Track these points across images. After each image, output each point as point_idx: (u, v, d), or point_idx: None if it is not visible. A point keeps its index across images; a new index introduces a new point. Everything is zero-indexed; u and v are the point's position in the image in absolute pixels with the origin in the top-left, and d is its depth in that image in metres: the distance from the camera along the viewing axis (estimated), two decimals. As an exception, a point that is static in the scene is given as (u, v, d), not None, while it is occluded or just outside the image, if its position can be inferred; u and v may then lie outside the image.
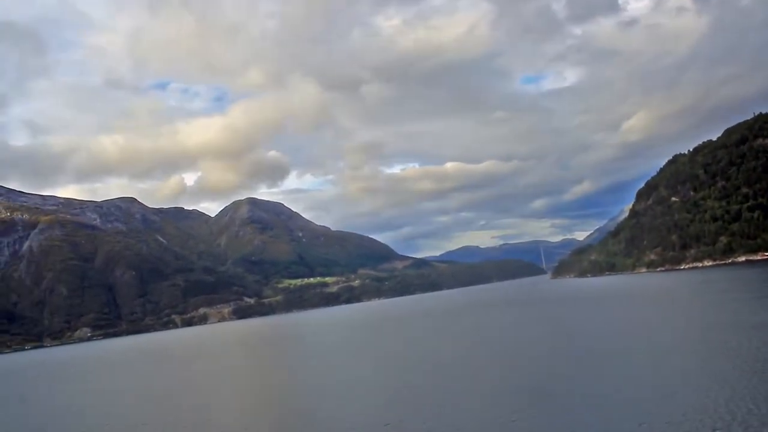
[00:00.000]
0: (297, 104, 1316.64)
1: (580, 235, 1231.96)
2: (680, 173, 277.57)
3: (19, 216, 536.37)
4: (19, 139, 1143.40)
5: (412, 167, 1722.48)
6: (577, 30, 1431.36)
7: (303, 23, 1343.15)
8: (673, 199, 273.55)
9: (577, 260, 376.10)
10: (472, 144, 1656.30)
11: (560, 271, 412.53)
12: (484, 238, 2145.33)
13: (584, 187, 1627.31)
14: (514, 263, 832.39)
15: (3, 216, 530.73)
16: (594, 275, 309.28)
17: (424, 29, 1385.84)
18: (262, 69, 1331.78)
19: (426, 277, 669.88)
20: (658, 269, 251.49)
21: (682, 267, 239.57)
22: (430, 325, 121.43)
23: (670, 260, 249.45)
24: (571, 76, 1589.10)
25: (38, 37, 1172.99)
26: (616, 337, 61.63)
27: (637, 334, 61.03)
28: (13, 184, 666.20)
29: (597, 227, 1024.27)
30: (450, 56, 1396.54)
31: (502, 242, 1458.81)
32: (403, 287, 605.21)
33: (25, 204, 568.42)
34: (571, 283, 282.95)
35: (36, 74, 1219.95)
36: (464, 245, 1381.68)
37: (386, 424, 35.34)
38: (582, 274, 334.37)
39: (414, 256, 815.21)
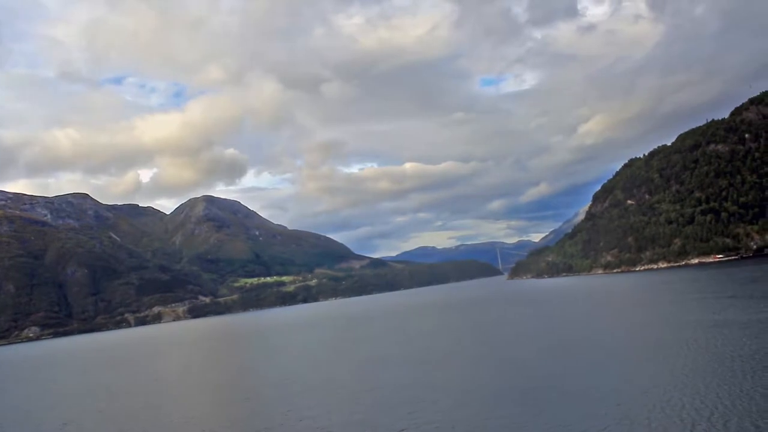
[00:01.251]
0: (256, 102, 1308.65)
1: (536, 237, 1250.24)
2: (636, 177, 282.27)
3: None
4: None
5: (371, 167, 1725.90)
6: (537, 34, 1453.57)
7: (264, 20, 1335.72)
8: (629, 202, 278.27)
9: (534, 261, 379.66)
10: (431, 145, 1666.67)
11: (517, 271, 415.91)
12: (441, 239, 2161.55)
13: (540, 189, 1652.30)
14: (470, 264, 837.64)
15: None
16: (551, 276, 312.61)
17: (386, 29, 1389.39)
18: (221, 65, 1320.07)
19: (383, 276, 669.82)
20: (615, 270, 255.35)
21: (637, 269, 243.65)
22: (394, 325, 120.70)
23: (626, 262, 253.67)
24: (530, 78, 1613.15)
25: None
26: (588, 335, 61.83)
27: (607, 333, 61.53)
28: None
29: (552, 229, 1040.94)
30: (411, 57, 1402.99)
31: (458, 243, 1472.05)
32: (360, 287, 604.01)
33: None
34: (529, 283, 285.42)
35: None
36: (421, 245, 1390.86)
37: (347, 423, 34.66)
38: (539, 275, 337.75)
39: (371, 256, 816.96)
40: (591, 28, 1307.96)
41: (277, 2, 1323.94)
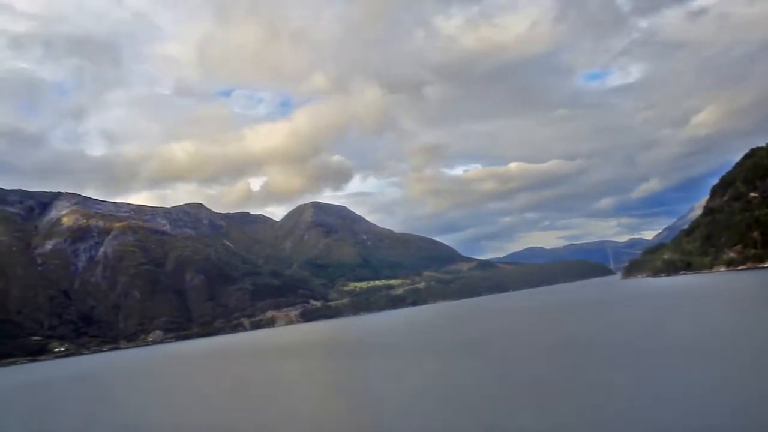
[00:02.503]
0: (360, 107, 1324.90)
1: (648, 235, 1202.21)
2: (759, 167, 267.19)
3: (95, 223, 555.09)
4: (96, 149, 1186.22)
5: (475, 168, 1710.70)
6: (643, 23, 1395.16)
7: (365, 26, 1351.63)
8: (752, 194, 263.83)
9: (649, 259, 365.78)
10: (535, 143, 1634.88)
11: (631, 270, 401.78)
12: (548, 239, 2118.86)
13: (651, 185, 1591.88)
14: (580, 264, 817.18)
15: (80, 223, 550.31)
16: (668, 275, 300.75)
17: (486, 27, 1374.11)
18: (325, 73, 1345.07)
19: (491, 278, 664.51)
20: (740, 267, 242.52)
21: (766, 265, 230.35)
22: (525, 327, 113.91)
23: (753, 258, 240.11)
24: (636, 70, 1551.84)
25: (114, 50, 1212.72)
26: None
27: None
28: (89, 192, 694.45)
29: (666, 226, 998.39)
30: (512, 54, 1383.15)
31: (567, 242, 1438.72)
32: (468, 289, 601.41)
33: (99, 211, 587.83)
34: (648, 283, 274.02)
35: (112, 85, 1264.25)
36: (529, 246, 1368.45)
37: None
38: (655, 273, 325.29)
39: (478, 257, 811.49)
40: (702, 12, 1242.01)
41: (377, 8, 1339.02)
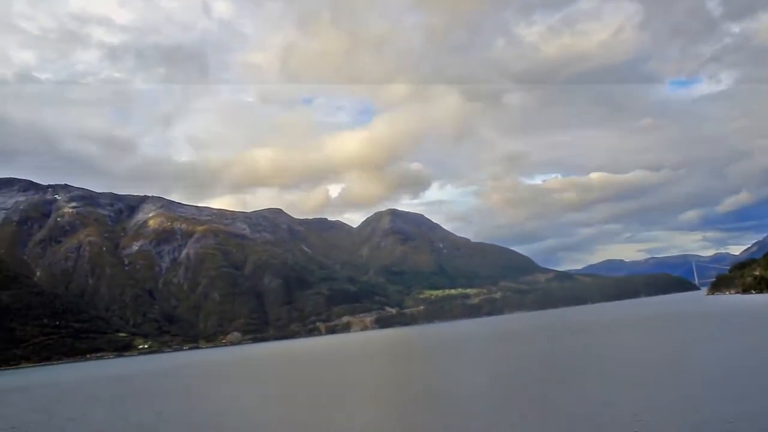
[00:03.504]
0: (439, 115, 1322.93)
1: (736, 249, 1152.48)
2: None
3: (178, 226, 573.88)
4: (183, 155, 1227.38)
5: (555, 178, 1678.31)
6: (735, 28, 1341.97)
7: (445, 35, 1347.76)
8: None
9: (738, 275, 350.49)
10: (618, 153, 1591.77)
11: (719, 286, 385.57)
12: (628, 252, 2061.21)
13: (741, 198, 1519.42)
14: (662, 278, 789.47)
15: (165, 226, 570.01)
16: (760, 292, 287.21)
17: (569, 35, 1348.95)
18: (405, 81, 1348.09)
19: (569, 290, 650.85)
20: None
21: None
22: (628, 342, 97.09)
23: None
24: (726, 78, 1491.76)
25: (201, 59, 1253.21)
26: None
27: None
28: (175, 196, 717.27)
29: (756, 240, 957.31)
30: (595, 62, 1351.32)
31: (648, 256, 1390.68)
32: (545, 300, 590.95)
33: (183, 215, 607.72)
34: (741, 299, 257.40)
35: (198, 93, 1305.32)
36: (607, 258, 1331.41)
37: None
38: (745, 290, 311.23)
39: (555, 268, 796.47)
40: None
41: (458, 16, 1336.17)
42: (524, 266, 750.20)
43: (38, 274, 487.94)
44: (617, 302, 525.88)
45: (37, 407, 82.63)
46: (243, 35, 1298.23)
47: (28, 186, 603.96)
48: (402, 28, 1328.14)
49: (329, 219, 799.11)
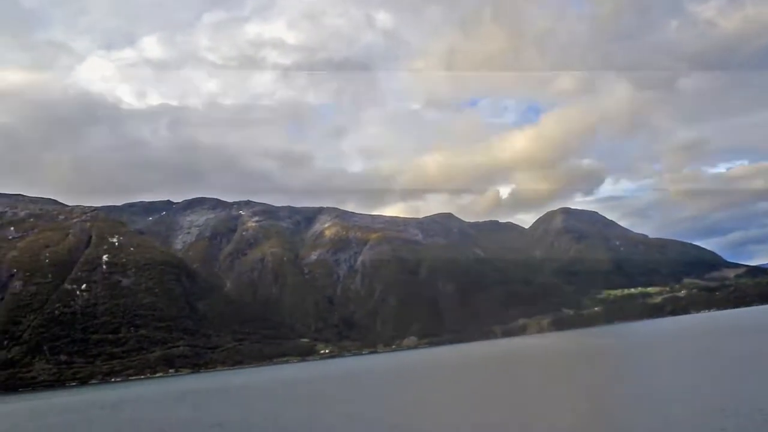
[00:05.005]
0: (609, 107, 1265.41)
1: None
2: None
3: (353, 234, 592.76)
4: (355, 166, 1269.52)
5: (741, 165, 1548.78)
6: None
7: (612, 21, 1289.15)
8: None
9: None
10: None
11: None
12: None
13: None
14: None
15: (340, 235, 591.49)
16: None
17: (753, 6, 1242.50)
18: (572, 75, 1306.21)
19: (765, 286, 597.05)
20: None
21: None
22: None
23: None
24: None
25: (368, 70, 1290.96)
26: None
27: None
28: (349, 206, 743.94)
29: None
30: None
31: None
32: (737, 298, 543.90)
33: (357, 224, 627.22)
34: None
35: (367, 104, 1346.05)
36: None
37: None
38: None
39: (746, 263, 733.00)
40: None
41: (625, 1, 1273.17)
42: (710, 261, 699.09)
43: (228, 285, 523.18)
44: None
45: (240, 405, 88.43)
46: (407, 43, 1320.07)
47: (216, 204, 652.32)
48: (566, 19, 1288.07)
49: (500, 221, 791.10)
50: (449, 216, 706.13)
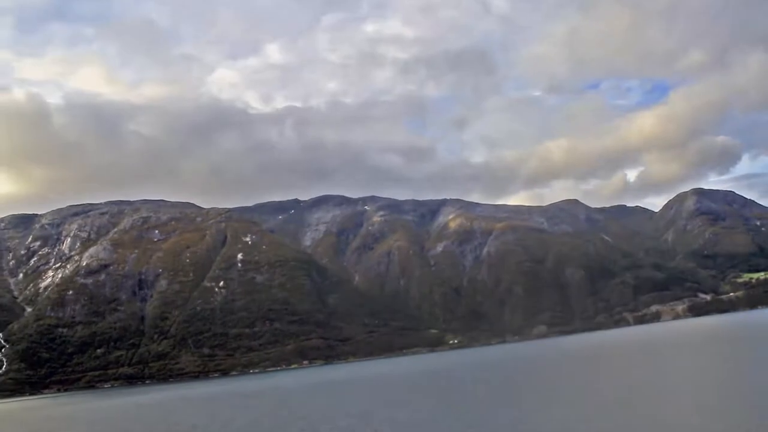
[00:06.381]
0: (744, 81, 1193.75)
1: None
2: None
3: (477, 225, 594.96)
4: (478, 156, 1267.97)
5: None
6: None
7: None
8: None
9: None
10: None
11: None
12: None
13: None
14: None
15: (465, 226, 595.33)
16: None
17: None
18: (701, 48, 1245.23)
19: None
20: None
21: None
22: None
23: None
24: None
25: (487, 58, 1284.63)
26: None
27: None
28: (473, 197, 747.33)
29: None
30: None
31: None
32: None
33: (481, 214, 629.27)
34: None
35: (488, 93, 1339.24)
36: None
37: None
38: None
39: None
40: None
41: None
42: None
43: (356, 278, 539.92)
44: None
45: (378, 394, 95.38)
46: (524, 29, 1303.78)
47: (342, 200, 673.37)
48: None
49: (628, 205, 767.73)
50: (575, 202, 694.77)
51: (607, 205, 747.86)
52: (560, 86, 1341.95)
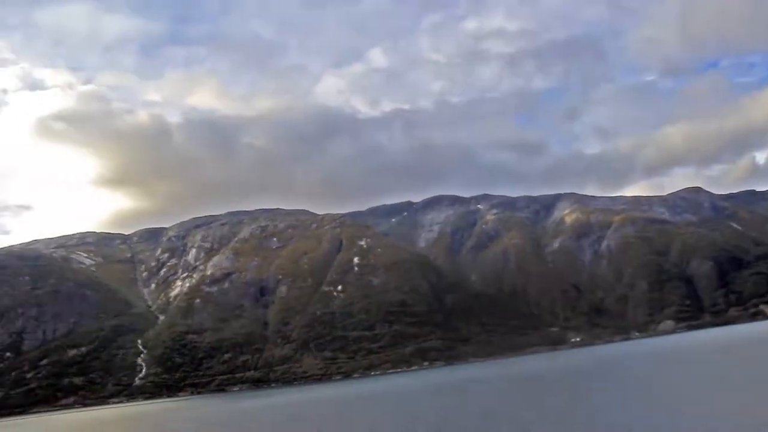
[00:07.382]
0: None
1: None
2: None
3: (594, 218, 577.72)
4: (591, 147, 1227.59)
5: None
6: None
7: None
8: None
9: None
10: None
11: None
12: None
13: None
14: None
15: (581, 220, 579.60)
16: None
17: None
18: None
19: None
20: None
21: None
22: None
23: None
24: None
25: (595, 45, 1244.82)
26: None
27: None
28: (587, 190, 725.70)
29: None
30: None
31: None
32: None
33: (598, 207, 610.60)
34: None
35: (598, 81, 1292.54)
36: None
37: None
38: None
39: None
40: None
41: None
42: None
43: (473, 278, 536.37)
44: None
45: (514, 395, 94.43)
46: (633, 11, 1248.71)
47: (454, 200, 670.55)
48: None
49: (758, 190, 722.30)
50: (698, 190, 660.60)
51: (735, 191, 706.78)
52: (676, 68, 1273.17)
